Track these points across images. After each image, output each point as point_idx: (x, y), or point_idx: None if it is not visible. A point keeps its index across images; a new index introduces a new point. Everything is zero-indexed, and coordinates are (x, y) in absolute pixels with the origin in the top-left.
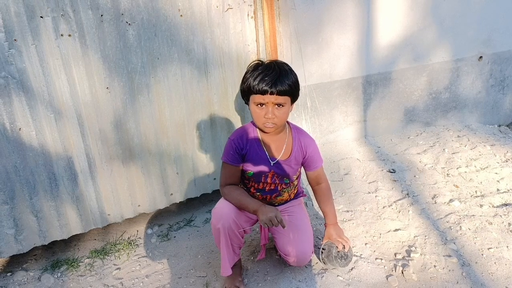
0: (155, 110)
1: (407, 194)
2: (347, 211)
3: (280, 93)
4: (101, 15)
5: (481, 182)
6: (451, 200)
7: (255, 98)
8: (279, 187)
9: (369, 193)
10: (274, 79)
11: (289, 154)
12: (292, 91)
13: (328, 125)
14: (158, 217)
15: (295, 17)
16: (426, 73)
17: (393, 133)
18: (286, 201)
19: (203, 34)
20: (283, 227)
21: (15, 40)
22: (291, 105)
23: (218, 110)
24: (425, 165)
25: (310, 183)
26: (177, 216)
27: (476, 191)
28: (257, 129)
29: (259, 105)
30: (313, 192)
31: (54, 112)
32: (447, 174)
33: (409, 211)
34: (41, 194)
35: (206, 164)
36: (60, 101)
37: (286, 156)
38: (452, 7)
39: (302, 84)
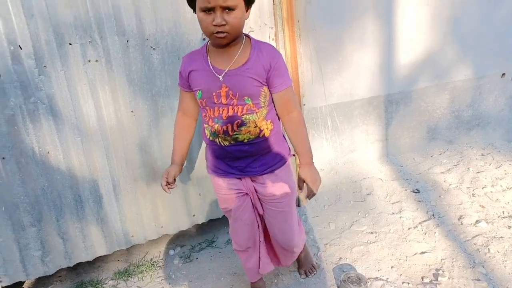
0: None
1: (433, 215)
2: (371, 233)
3: None
4: (127, 41)
5: (508, 202)
6: (477, 221)
7: (200, 1)
8: (239, 111)
9: (393, 214)
10: None
11: (244, 61)
12: None
13: (349, 144)
14: (180, 238)
15: (315, 38)
16: (448, 91)
17: (415, 151)
18: (258, 141)
19: None
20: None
21: (44, 66)
22: (247, 10)
23: None
24: (449, 184)
25: (279, 113)
26: (199, 237)
27: (503, 212)
28: (207, 44)
29: (206, 12)
30: (284, 124)
31: (81, 136)
32: (473, 194)
33: (435, 232)
34: (67, 216)
35: None
36: (87, 125)
37: (240, 63)
38: (473, 24)
39: (322, 103)
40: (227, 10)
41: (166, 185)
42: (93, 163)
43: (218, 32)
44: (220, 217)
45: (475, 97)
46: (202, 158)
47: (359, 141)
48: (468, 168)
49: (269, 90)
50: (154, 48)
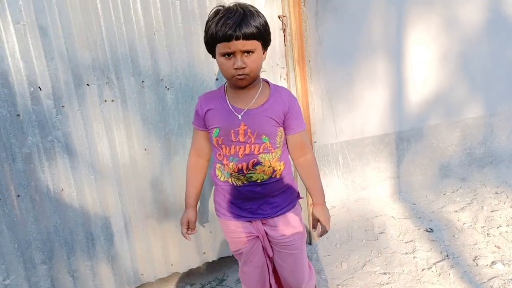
0: None
1: (447, 256)
2: (384, 274)
3: (247, 37)
4: (143, 81)
5: None
6: (493, 263)
7: (220, 47)
8: (255, 149)
9: (407, 253)
10: (237, 21)
11: (263, 102)
12: (261, 33)
13: (360, 182)
14: (190, 276)
15: (325, 76)
16: (460, 129)
17: (428, 189)
18: (271, 181)
19: None
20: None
21: (62, 106)
22: (264, 52)
23: None
24: (463, 223)
25: (292, 155)
26: (209, 275)
27: None
28: (225, 85)
29: (226, 56)
30: (297, 166)
31: (95, 173)
32: (487, 234)
33: (450, 274)
34: (78, 254)
35: None
36: (101, 162)
37: (259, 103)
38: (482, 63)
39: (333, 140)
40: (246, 54)
41: (187, 232)
42: (106, 200)
43: (239, 75)
44: (231, 255)
45: (487, 134)
46: (210, 195)
47: (370, 178)
48: (482, 206)
49: (285, 132)
50: (168, 88)
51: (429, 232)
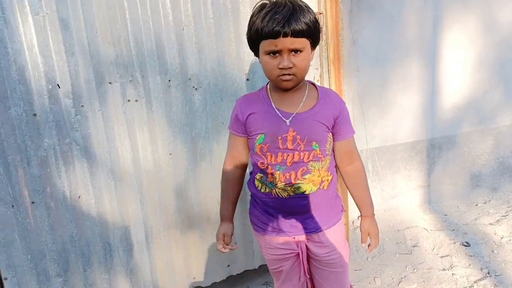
0: (216, 177)
1: (488, 273)
2: None
3: (296, 34)
4: (169, 80)
5: None
6: None
7: (266, 44)
8: (305, 157)
9: (444, 270)
10: (286, 16)
11: (312, 105)
12: (311, 31)
13: (390, 190)
14: None
15: (358, 79)
16: (493, 137)
17: (458, 199)
18: (318, 193)
19: None
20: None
21: (82, 106)
22: (312, 51)
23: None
24: (501, 238)
25: (340, 163)
26: None
27: None
28: (267, 87)
29: (271, 54)
30: (344, 175)
31: (115, 179)
32: None
33: None
34: (95, 266)
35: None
36: (122, 168)
37: (307, 107)
38: None
39: (364, 147)
40: (293, 53)
41: (223, 247)
42: (126, 208)
43: (284, 75)
44: (256, 267)
45: None
46: (239, 205)
47: (400, 186)
48: None
49: (333, 138)
50: (196, 88)
51: (466, 246)
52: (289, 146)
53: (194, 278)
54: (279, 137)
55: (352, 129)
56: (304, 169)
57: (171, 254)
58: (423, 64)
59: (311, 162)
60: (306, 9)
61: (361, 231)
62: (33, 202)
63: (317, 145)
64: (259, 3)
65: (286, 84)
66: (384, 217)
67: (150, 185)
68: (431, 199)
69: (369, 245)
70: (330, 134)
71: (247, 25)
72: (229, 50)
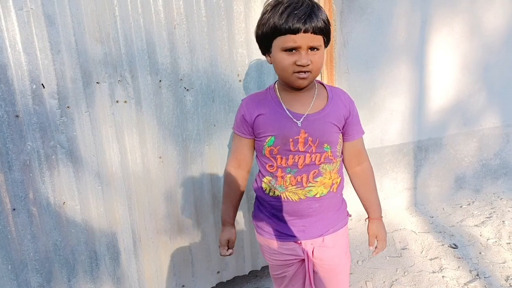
0: (207, 180)
1: (477, 275)
2: None
3: (316, 31)
4: (160, 81)
5: None
6: None
7: (284, 41)
8: (317, 159)
9: (434, 272)
10: (307, 12)
11: (323, 106)
12: (327, 28)
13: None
14: None
15: (348, 81)
16: (477, 139)
17: (443, 201)
18: (328, 196)
19: None
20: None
21: (68, 107)
22: (325, 48)
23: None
24: (487, 239)
25: (348, 164)
26: None
27: None
28: (274, 86)
29: (288, 51)
30: (351, 176)
31: (102, 184)
32: None
33: None
34: (80, 275)
35: (256, 239)
36: (109, 171)
37: (318, 108)
38: (501, 70)
39: None
40: (310, 50)
41: (227, 251)
42: (113, 214)
43: (300, 72)
44: (247, 273)
45: (503, 145)
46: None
47: (387, 189)
48: (503, 221)
49: (343, 139)
50: (187, 89)
51: (454, 248)
52: (301, 148)
53: (184, 286)
54: (291, 139)
55: (362, 129)
56: (316, 171)
57: (160, 261)
58: (411, 67)
59: (322, 165)
60: (318, 5)
61: (368, 233)
62: (14, 209)
63: (328, 146)
64: (273, 1)
65: (302, 83)
66: None
67: (139, 189)
68: (417, 201)
69: (375, 248)
70: (341, 135)
71: (240, 25)
72: (221, 50)
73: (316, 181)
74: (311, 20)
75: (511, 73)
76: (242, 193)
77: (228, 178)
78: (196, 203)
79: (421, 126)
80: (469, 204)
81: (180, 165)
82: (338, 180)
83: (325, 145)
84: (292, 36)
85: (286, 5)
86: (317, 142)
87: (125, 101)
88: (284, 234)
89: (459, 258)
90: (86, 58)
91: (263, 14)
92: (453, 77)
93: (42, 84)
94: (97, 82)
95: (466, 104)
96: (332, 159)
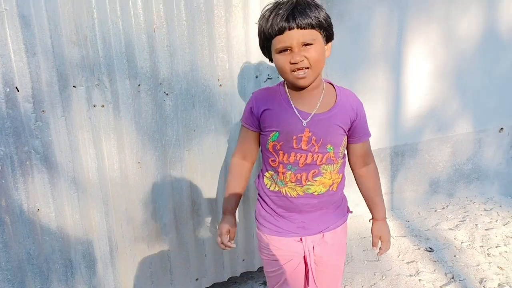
0: (187, 186)
1: (452, 278)
2: None
3: (302, 26)
4: (139, 85)
5: None
6: (500, 286)
7: (275, 43)
8: (318, 159)
9: (411, 276)
10: (289, 9)
11: (331, 106)
12: (320, 23)
13: (355, 198)
14: None
15: None
16: (450, 144)
17: (419, 205)
18: (327, 194)
19: (242, 104)
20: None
21: (43, 111)
22: (326, 43)
23: (253, 185)
24: (461, 242)
25: (354, 165)
26: None
27: None
28: (284, 83)
29: (282, 52)
30: (356, 177)
31: (77, 191)
32: (488, 254)
33: None
34: (54, 284)
35: (236, 244)
36: (85, 178)
37: (325, 108)
38: (474, 78)
39: None
40: (304, 46)
41: (228, 241)
42: (89, 221)
43: (297, 71)
44: (226, 280)
45: (475, 150)
46: (208, 215)
47: None
48: (476, 224)
49: (348, 140)
50: (167, 94)
51: (429, 251)
52: (303, 146)
53: None
54: (294, 137)
55: (369, 131)
56: (315, 171)
57: (138, 269)
58: (388, 74)
59: (323, 165)
60: (314, 5)
61: (372, 234)
62: None
63: (331, 147)
64: (264, 9)
65: (301, 82)
66: (350, 224)
67: (116, 196)
68: (394, 205)
69: (379, 249)
70: (346, 137)
71: (221, 29)
72: (202, 55)
73: (315, 180)
74: (294, 17)
75: (483, 80)
76: (245, 183)
77: (232, 167)
78: (175, 209)
79: (398, 132)
80: (443, 208)
81: (159, 170)
82: (339, 180)
83: (329, 145)
84: (280, 37)
85: (271, 9)
86: (320, 142)
87: (103, 105)
88: (284, 230)
89: (435, 261)
90: (63, 61)
91: (258, 25)
92: (428, 83)
93: (16, 87)
94: (73, 86)
95: (441, 110)
96: (334, 160)
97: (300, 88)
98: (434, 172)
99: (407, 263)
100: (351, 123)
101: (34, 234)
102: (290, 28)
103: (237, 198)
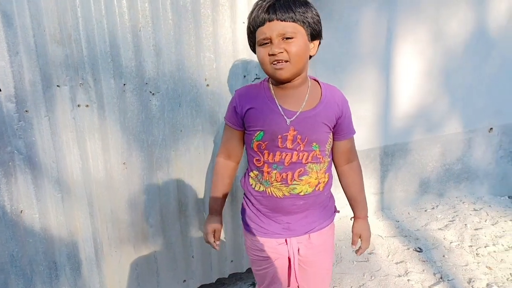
0: (173, 187)
1: (441, 278)
2: None
3: (283, 18)
4: (124, 84)
5: None
6: (488, 285)
7: (257, 35)
8: (304, 158)
9: (400, 276)
10: (272, 1)
11: (316, 104)
12: (302, 17)
13: (344, 198)
14: None
15: None
16: (440, 144)
17: (409, 205)
18: (314, 195)
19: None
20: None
21: (26, 111)
22: (311, 41)
23: (240, 186)
24: (450, 242)
25: (337, 162)
26: None
27: (511, 274)
28: (268, 81)
29: (264, 45)
30: (339, 174)
31: (62, 192)
32: (477, 254)
33: None
34: (38, 287)
35: (224, 245)
36: (70, 178)
37: (310, 106)
38: (463, 77)
39: None
40: (285, 39)
41: (212, 242)
42: (74, 223)
43: (276, 63)
44: (214, 281)
45: (465, 150)
46: (196, 216)
47: None
48: (465, 224)
49: (334, 138)
50: (153, 93)
51: (419, 252)
52: (289, 145)
53: None
54: (279, 136)
55: (353, 129)
56: (301, 170)
57: (124, 272)
58: (377, 74)
59: (309, 164)
60: (301, 1)
61: (352, 232)
62: None
63: (317, 145)
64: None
65: (280, 73)
66: (339, 225)
67: (101, 197)
68: (384, 206)
69: (359, 248)
70: (331, 134)
71: (208, 28)
72: (189, 54)
73: (301, 180)
74: (274, 9)
75: (471, 79)
76: (230, 183)
77: (217, 167)
78: (161, 210)
79: (388, 132)
80: (433, 208)
81: (145, 171)
82: (326, 179)
83: (314, 143)
84: (261, 28)
85: (257, 2)
86: (306, 140)
87: (87, 105)
88: (269, 231)
89: (424, 261)
90: (46, 60)
91: (247, 20)
92: (418, 83)
93: None
94: (57, 85)
95: (430, 110)
96: (320, 158)
97: (282, 83)
98: (424, 172)
99: (396, 263)
100: (336, 120)
101: (18, 236)
102: (270, 20)
103: (222, 198)
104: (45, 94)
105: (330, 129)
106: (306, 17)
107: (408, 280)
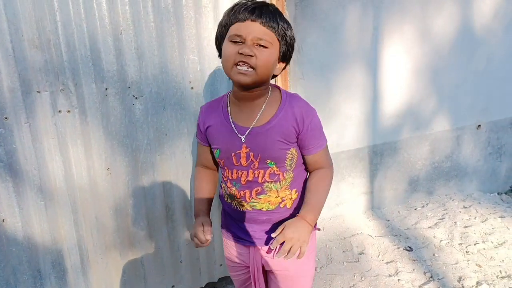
0: (160, 191)
1: (431, 277)
2: None
3: (265, 23)
4: (106, 89)
5: (503, 260)
6: (478, 283)
7: (231, 30)
8: (260, 176)
9: (390, 276)
10: (259, 5)
11: (270, 117)
12: (283, 33)
13: (335, 198)
14: None
15: (303, 87)
16: (429, 142)
17: (398, 204)
18: (278, 211)
19: None
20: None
21: (5, 118)
22: (281, 61)
23: None
24: (440, 241)
25: (308, 169)
26: None
27: (500, 271)
28: (228, 96)
29: (233, 42)
30: (308, 177)
31: (45, 199)
32: (466, 252)
33: None
34: None
35: (213, 249)
36: (52, 186)
37: (264, 120)
38: (450, 75)
39: None
40: (259, 46)
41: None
42: (58, 230)
43: (241, 64)
44: (203, 286)
45: (453, 148)
46: (183, 220)
47: (345, 194)
48: (455, 222)
49: (300, 151)
50: (136, 97)
51: (409, 251)
52: (243, 163)
53: None
54: (233, 154)
55: (322, 142)
56: (258, 189)
57: (110, 279)
58: (365, 73)
59: (266, 183)
60: (284, 16)
61: (281, 226)
62: None
63: (272, 163)
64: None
65: (241, 78)
66: (330, 225)
67: (86, 203)
68: (374, 205)
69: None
70: (293, 149)
71: (191, 30)
72: (172, 57)
73: (259, 198)
74: (261, 12)
75: (458, 77)
76: (213, 186)
77: (198, 175)
78: (148, 215)
79: (376, 131)
80: (423, 206)
81: (130, 176)
82: (293, 196)
83: (268, 161)
84: (239, 24)
85: (240, 1)
86: (259, 157)
87: (68, 111)
88: (236, 235)
89: (414, 260)
90: (25, 65)
91: (223, 14)
92: (406, 82)
93: None
94: (37, 91)
95: (418, 108)
96: (279, 175)
97: (240, 87)
98: (413, 171)
99: (387, 263)
100: (296, 134)
101: (0, 246)
102: (252, 20)
103: (207, 201)
104: (24, 100)
105: (289, 144)
106: (286, 35)
107: (399, 280)
